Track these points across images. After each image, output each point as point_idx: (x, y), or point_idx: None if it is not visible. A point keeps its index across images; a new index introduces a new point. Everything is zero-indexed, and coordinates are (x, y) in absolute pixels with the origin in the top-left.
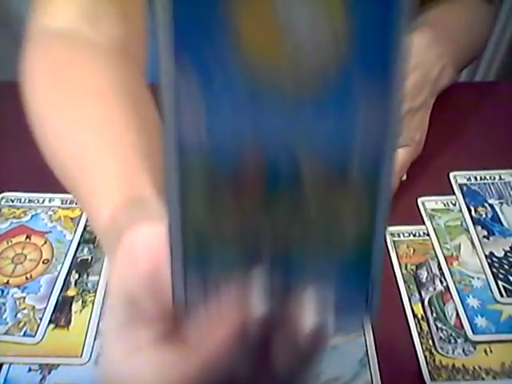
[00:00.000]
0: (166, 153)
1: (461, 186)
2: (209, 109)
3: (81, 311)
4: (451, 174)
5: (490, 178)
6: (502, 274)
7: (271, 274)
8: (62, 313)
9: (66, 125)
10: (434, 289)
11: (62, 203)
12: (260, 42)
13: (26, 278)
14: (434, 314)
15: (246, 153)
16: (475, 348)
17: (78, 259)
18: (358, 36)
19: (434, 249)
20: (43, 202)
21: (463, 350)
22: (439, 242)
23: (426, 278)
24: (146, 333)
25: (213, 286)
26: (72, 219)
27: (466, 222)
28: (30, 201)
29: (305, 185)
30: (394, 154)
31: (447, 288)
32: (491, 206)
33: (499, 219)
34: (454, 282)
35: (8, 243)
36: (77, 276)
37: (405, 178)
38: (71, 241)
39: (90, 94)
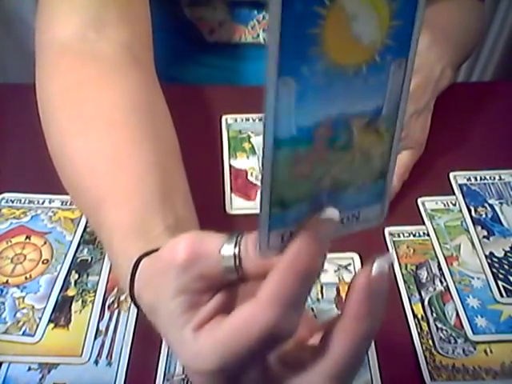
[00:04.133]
0: (265, 145)
1: (461, 186)
2: (298, 106)
3: (81, 311)
4: (451, 174)
5: (490, 178)
6: (501, 274)
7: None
8: (61, 312)
9: (84, 160)
10: (434, 289)
11: (61, 204)
12: (339, 47)
13: (26, 278)
14: (434, 314)
15: (320, 129)
16: (475, 348)
17: (78, 259)
18: (393, 30)
19: (433, 249)
20: (43, 203)
21: (463, 350)
22: (439, 242)
23: (426, 278)
24: (202, 310)
25: (288, 235)
26: (72, 220)
27: (466, 222)
28: (29, 202)
29: (354, 139)
30: (405, 108)
31: (447, 288)
32: (491, 206)
33: (499, 219)
34: (454, 282)
35: (7, 243)
36: (76, 276)
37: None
38: (71, 241)
39: (107, 124)
